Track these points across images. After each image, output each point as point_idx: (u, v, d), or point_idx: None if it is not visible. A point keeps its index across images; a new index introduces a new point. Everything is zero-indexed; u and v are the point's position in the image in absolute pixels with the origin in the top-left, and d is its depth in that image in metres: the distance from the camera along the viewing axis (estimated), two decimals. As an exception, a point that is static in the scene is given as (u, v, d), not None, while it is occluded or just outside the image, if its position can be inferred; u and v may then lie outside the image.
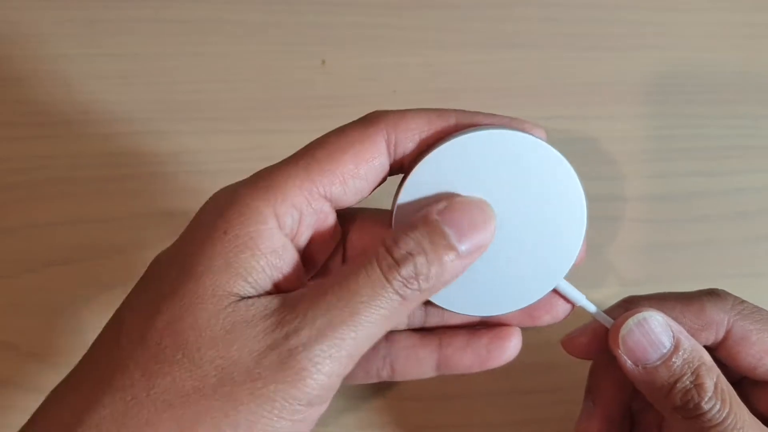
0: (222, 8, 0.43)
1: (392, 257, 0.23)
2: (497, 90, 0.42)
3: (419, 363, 0.29)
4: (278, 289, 0.24)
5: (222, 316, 0.22)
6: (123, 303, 0.25)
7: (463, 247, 0.24)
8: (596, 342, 0.29)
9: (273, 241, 0.24)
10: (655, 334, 0.27)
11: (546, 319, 0.29)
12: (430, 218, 0.24)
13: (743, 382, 0.30)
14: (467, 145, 0.25)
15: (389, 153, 0.26)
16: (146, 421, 0.22)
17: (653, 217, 0.40)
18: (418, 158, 0.26)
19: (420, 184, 0.26)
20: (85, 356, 0.24)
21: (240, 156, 0.40)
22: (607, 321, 0.28)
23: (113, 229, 0.39)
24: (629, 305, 0.29)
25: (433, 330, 0.30)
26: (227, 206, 0.24)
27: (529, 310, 0.28)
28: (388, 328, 0.24)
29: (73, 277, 0.38)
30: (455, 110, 0.26)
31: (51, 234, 0.39)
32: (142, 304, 0.24)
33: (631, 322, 0.27)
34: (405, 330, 0.30)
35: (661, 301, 0.29)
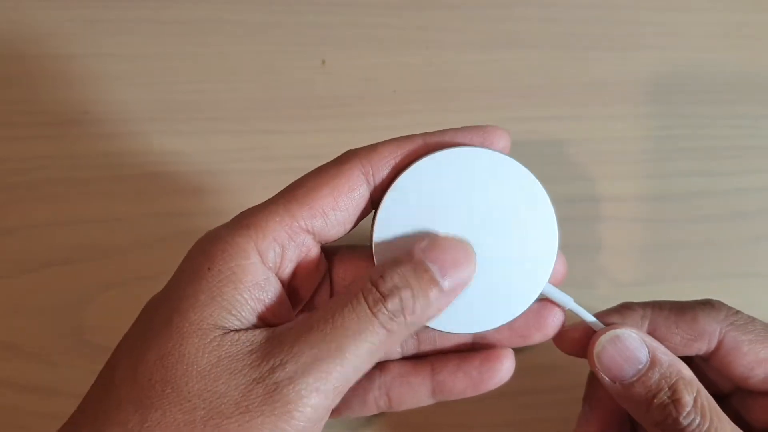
0: (222, 8, 0.43)
1: (378, 291, 0.24)
2: (497, 90, 0.42)
3: (413, 390, 0.29)
4: (265, 322, 0.25)
5: (208, 350, 0.23)
6: (118, 344, 0.25)
7: (446, 284, 0.25)
8: (587, 339, 0.29)
9: (256, 275, 0.25)
10: (629, 350, 0.27)
11: (537, 336, 0.29)
12: (415, 255, 0.25)
13: (735, 393, 0.30)
14: (432, 166, 0.26)
15: (368, 184, 0.27)
16: None
17: (653, 217, 0.40)
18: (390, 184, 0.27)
19: (393, 209, 0.27)
20: (85, 397, 0.25)
21: (240, 156, 0.40)
22: (598, 326, 0.29)
23: (113, 229, 0.39)
24: (625, 310, 0.29)
25: (427, 357, 0.30)
26: (210, 245, 0.25)
27: (520, 330, 0.29)
28: (375, 361, 0.24)
29: (73, 277, 0.38)
30: (423, 133, 0.27)
31: (51, 234, 0.39)
32: (133, 342, 0.25)
33: (604, 339, 0.28)
34: (398, 359, 0.30)
35: (656, 308, 0.29)
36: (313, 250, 0.27)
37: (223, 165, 0.40)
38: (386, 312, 0.24)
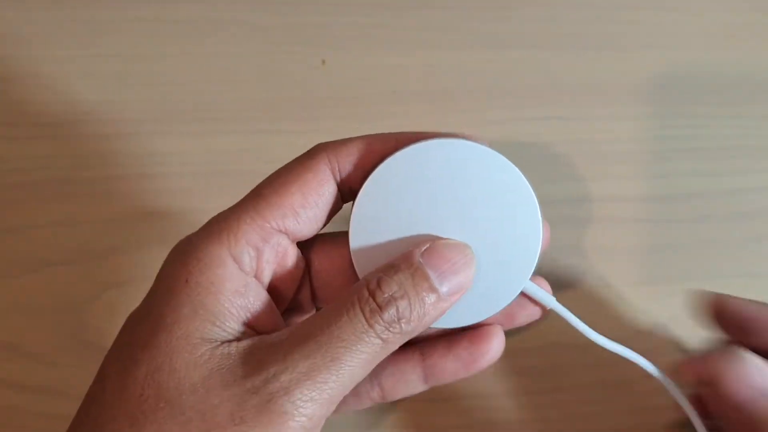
0: (222, 8, 0.43)
1: (375, 301, 0.24)
2: (497, 90, 0.42)
3: (405, 378, 0.29)
4: (252, 328, 0.25)
5: (199, 364, 0.23)
6: (104, 360, 0.25)
7: (444, 289, 0.24)
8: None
9: (234, 282, 0.25)
10: (748, 376, 0.27)
11: (522, 317, 0.29)
12: (413, 260, 0.24)
13: None
14: (408, 159, 0.26)
15: (335, 179, 0.26)
16: None
17: (653, 217, 0.40)
18: (364, 179, 0.26)
19: (369, 203, 0.26)
20: (77, 411, 0.25)
21: (240, 157, 0.40)
22: (579, 325, 0.28)
23: (113, 229, 0.39)
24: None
25: (415, 343, 0.30)
26: (185, 256, 0.25)
27: (505, 311, 0.28)
28: (369, 370, 0.24)
29: (73, 277, 0.38)
30: (397, 132, 0.27)
31: (51, 234, 0.39)
32: (120, 358, 0.24)
33: (727, 359, 0.27)
34: None
35: None
36: (290, 250, 0.27)
37: (223, 165, 0.40)
38: (382, 323, 0.23)
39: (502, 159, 0.26)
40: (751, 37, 0.44)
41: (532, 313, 0.29)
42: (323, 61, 0.43)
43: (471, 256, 0.26)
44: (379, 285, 0.24)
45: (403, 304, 0.24)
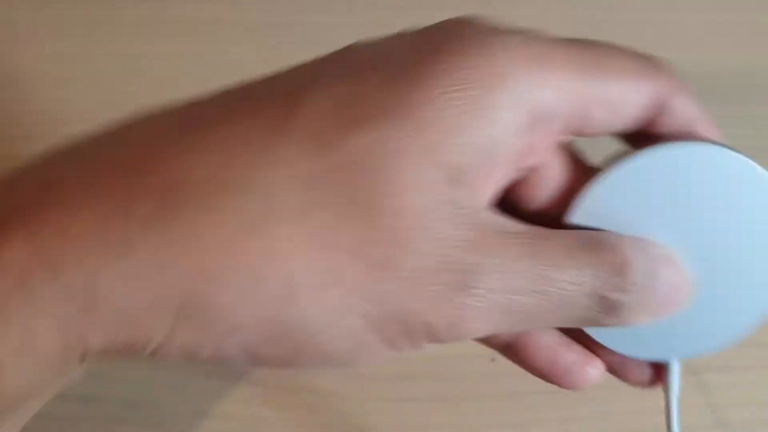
0: (222, 8, 0.43)
1: (615, 280, 0.20)
2: (497, 90, 0.42)
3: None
4: (480, 187, 0.20)
5: (432, 202, 0.18)
6: (300, 70, 0.21)
7: (650, 311, 0.21)
8: None
9: (506, 128, 0.19)
10: None
11: (634, 374, 0.24)
12: (653, 266, 0.21)
13: None
14: (671, 155, 0.22)
15: (648, 109, 0.21)
16: (278, 235, 0.18)
17: (653, 218, 0.40)
18: (651, 142, 0.21)
19: (634, 171, 0.22)
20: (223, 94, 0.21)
21: (240, 156, 0.40)
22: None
23: (113, 229, 0.39)
24: None
25: None
26: (478, 59, 0.19)
27: (626, 359, 0.24)
28: (536, 329, 0.21)
29: (73, 277, 0.38)
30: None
31: (51, 234, 0.39)
32: (340, 94, 0.19)
33: None
34: None
35: None
36: (556, 135, 0.21)
37: (223, 165, 0.40)
38: (605, 302, 0.20)
39: None
40: (751, 37, 0.44)
41: (642, 380, 0.24)
42: (323, 61, 0.43)
43: (690, 294, 0.21)
44: (623, 267, 0.20)
45: (630, 299, 0.20)
